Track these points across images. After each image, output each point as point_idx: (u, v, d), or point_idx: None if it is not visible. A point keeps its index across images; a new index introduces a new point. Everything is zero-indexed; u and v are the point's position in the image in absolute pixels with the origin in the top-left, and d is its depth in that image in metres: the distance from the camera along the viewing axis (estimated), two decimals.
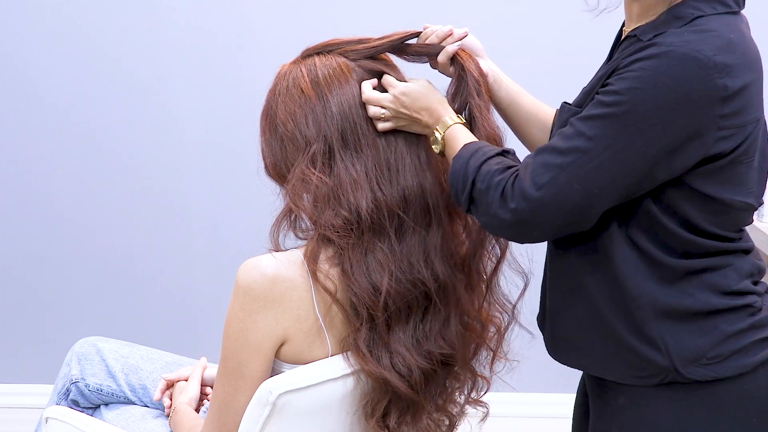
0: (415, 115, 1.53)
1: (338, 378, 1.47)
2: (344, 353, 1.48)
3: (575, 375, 1.62)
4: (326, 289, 1.44)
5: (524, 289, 1.62)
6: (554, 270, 1.51)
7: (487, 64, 1.64)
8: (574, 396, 1.69)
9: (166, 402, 1.86)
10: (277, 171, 1.55)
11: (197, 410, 1.80)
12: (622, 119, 1.31)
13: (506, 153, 1.47)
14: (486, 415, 1.66)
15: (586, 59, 2.79)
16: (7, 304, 2.99)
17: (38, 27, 2.84)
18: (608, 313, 1.41)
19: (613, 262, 1.40)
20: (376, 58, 1.57)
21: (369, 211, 1.46)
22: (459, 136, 1.51)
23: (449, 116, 1.53)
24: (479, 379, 1.63)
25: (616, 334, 1.41)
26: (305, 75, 1.53)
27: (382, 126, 1.53)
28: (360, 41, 1.58)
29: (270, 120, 1.55)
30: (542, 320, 1.57)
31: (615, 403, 1.46)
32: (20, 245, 2.96)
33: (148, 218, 2.92)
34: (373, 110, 1.52)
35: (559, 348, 1.52)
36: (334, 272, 1.45)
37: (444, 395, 1.58)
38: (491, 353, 1.64)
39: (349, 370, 1.47)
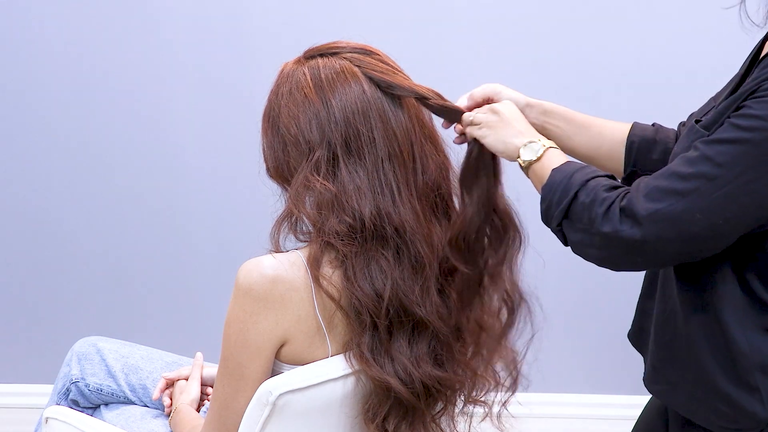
0: (512, 122, 1.51)
1: (338, 378, 1.47)
2: (346, 354, 1.48)
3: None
4: (330, 296, 1.44)
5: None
6: (659, 294, 1.44)
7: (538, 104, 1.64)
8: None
9: (166, 401, 1.86)
10: (280, 173, 1.54)
11: (198, 410, 1.80)
12: (759, 146, 1.22)
13: (613, 177, 1.39)
14: (486, 415, 1.66)
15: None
16: (7, 304, 2.99)
17: (38, 27, 2.84)
18: (706, 357, 1.34)
19: (720, 308, 1.32)
20: (394, 95, 1.53)
21: (372, 219, 1.45)
22: (561, 155, 1.46)
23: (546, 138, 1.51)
24: (479, 379, 1.63)
25: (712, 379, 1.34)
26: (308, 77, 1.51)
27: (470, 130, 1.54)
28: (365, 51, 1.55)
29: (272, 122, 1.54)
30: (638, 342, 1.53)
31: None
32: (20, 245, 2.96)
33: (148, 218, 2.92)
34: (465, 116, 1.55)
35: (651, 378, 1.46)
36: (336, 276, 1.45)
37: (444, 403, 1.58)
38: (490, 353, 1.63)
39: (349, 370, 1.47)
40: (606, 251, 1.31)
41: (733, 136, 1.24)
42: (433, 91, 1.56)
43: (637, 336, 1.54)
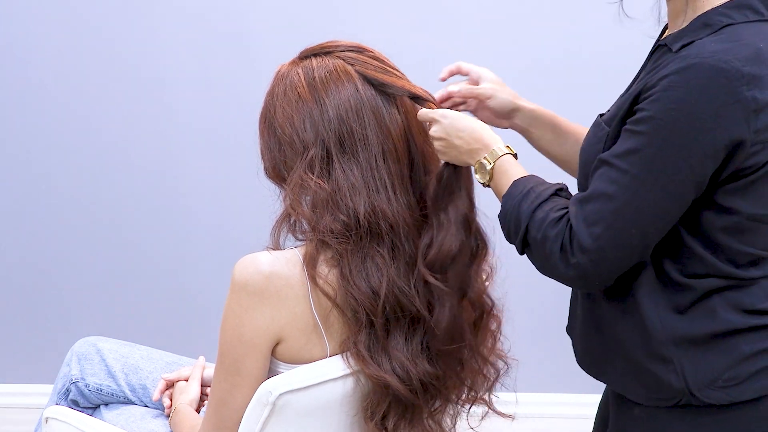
0: (456, 141, 1.49)
1: (338, 378, 1.47)
2: (344, 354, 1.48)
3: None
4: (326, 295, 1.44)
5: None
6: None
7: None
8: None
9: (166, 402, 1.86)
10: (277, 173, 1.55)
11: (197, 411, 1.80)
12: (664, 148, 1.27)
13: (560, 191, 1.42)
14: (486, 414, 1.66)
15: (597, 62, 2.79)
16: (7, 304, 2.99)
17: (39, 27, 2.84)
18: (625, 334, 1.39)
19: (636, 289, 1.37)
20: (384, 91, 1.53)
21: (366, 216, 1.46)
22: (510, 169, 1.46)
23: (498, 146, 1.48)
24: (479, 378, 1.63)
25: (633, 355, 1.39)
26: (302, 77, 1.52)
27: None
28: (359, 49, 1.56)
29: (268, 123, 1.54)
30: (571, 330, 1.56)
31: (632, 420, 1.44)
32: (21, 245, 2.97)
33: (148, 218, 2.92)
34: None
35: (585, 360, 1.51)
36: (333, 275, 1.45)
37: (442, 400, 1.58)
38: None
39: (348, 371, 1.47)
40: (568, 283, 1.38)
41: (638, 144, 1.29)
42: (425, 91, 1.56)
43: (571, 327, 1.57)
